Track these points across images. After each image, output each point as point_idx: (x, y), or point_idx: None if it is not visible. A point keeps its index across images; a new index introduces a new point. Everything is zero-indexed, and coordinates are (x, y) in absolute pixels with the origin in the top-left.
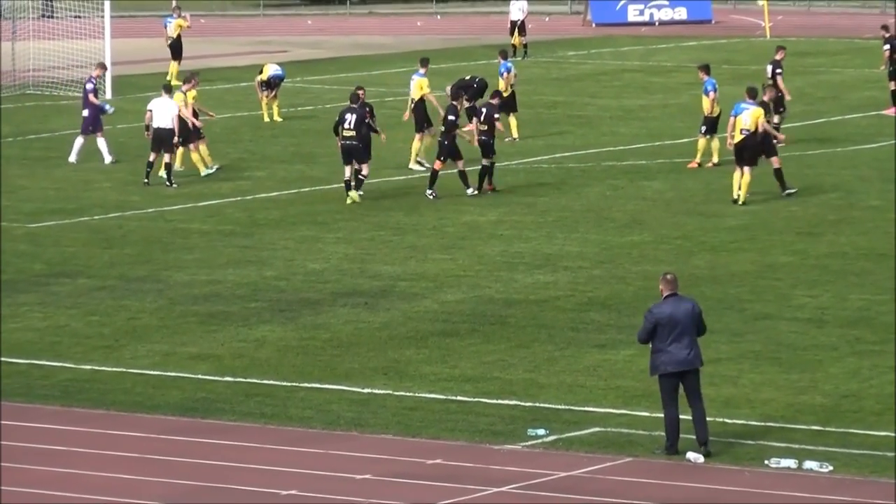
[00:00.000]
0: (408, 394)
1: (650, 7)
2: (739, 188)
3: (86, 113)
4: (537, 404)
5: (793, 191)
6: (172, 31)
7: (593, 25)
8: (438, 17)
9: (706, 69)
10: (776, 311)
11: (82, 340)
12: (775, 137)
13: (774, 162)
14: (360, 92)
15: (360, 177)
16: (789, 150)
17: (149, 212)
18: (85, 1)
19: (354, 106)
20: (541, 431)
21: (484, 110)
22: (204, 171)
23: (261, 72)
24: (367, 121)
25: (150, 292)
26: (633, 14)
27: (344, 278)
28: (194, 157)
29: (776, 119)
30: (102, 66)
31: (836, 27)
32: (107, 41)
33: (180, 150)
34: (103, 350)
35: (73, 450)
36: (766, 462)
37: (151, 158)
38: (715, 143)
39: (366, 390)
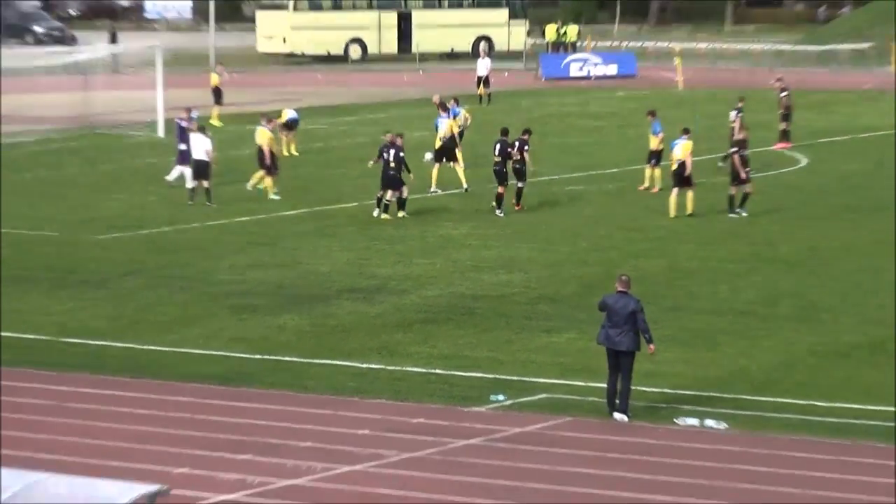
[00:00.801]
0: (397, 368)
1: (587, 65)
2: (677, 205)
3: (182, 146)
4: (498, 376)
5: (744, 213)
6: (215, 81)
7: (543, 79)
8: (421, 72)
9: (653, 114)
10: (684, 303)
11: (142, 326)
12: (740, 167)
13: (746, 188)
14: (399, 139)
15: (402, 198)
16: (702, 178)
17: (193, 226)
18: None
19: (397, 144)
20: (500, 397)
21: (517, 143)
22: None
23: (279, 116)
24: (401, 156)
25: (195, 289)
26: (574, 70)
27: (347, 278)
28: (267, 181)
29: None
30: (188, 110)
31: (734, 81)
32: (159, 91)
33: (259, 173)
34: (159, 333)
35: (136, 412)
36: (675, 421)
37: (192, 185)
38: (657, 172)
39: (364, 365)
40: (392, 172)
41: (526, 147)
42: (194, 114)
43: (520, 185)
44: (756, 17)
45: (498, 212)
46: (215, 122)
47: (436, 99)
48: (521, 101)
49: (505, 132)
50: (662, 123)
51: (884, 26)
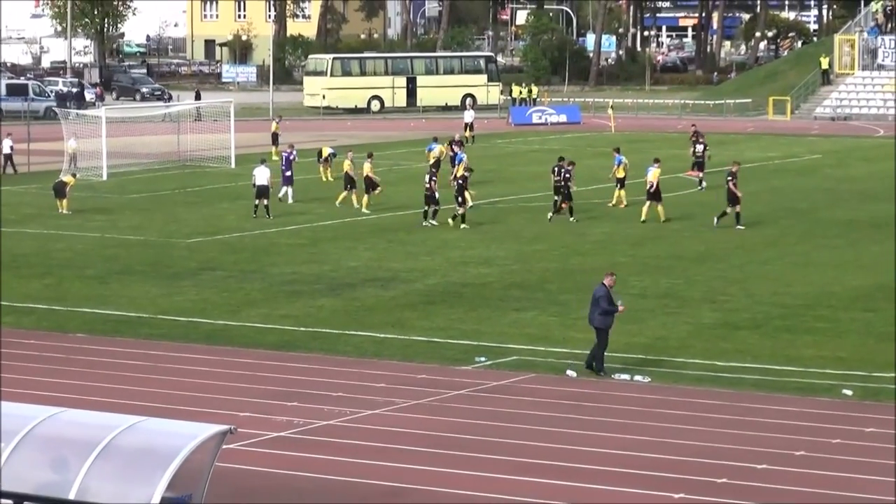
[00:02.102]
0: (406, 337)
1: (545, 114)
2: (647, 213)
3: (288, 173)
4: (480, 343)
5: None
6: (274, 128)
7: (513, 125)
8: (423, 120)
9: (617, 150)
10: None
11: (218, 307)
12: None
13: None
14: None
15: (437, 209)
16: (633, 199)
17: (255, 233)
18: (219, 111)
19: (434, 170)
20: (482, 358)
21: (556, 168)
22: (365, 211)
23: (320, 152)
24: (434, 178)
25: (257, 279)
26: (535, 118)
27: (369, 271)
28: (364, 199)
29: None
30: (291, 146)
31: (652, 126)
32: (231, 135)
33: (344, 194)
34: (230, 313)
35: (212, 370)
36: (612, 376)
37: (256, 202)
38: (623, 193)
39: (381, 335)
40: (431, 193)
41: (568, 173)
42: (294, 151)
43: (558, 198)
44: (668, 80)
45: (571, 218)
46: (275, 157)
47: (457, 137)
48: (497, 141)
49: (561, 159)
50: (600, 158)
51: (760, 87)
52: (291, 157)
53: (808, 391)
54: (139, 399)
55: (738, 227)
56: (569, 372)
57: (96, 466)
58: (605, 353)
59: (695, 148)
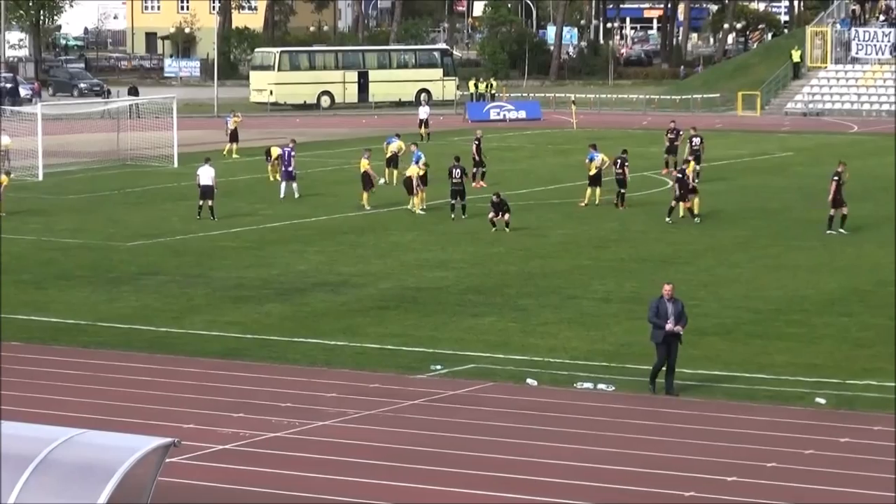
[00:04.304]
0: (358, 344)
1: (504, 110)
2: (684, 210)
3: (290, 168)
4: (436, 350)
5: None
6: (231, 125)
7: (469, 122)
8: (375, 116)
9: (594, 146)
10: (581, 293)
11: (160, 313)
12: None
13: (844, 210)
14: (458, 159)
15: (463, 205)
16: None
17: (199, 235)
18: (160, 107)
19: (458, 164)
20: (439, 367)
21: (619, 160)
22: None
23: (268, 151)
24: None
25: (200, 284)
26: (493, 114)
27: (319, 275)
28: (365, 196)
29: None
30: (293, 141)
31: (616, 122)
32: (174, 132)
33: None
34: (173, 319)
35: (155, 380)
36: (574, 385)
37: (200, 203)
38: (598, 191)
39: (332, 342)
40: (458, 187)
41: (626, 163)
42: (293, 147)
43: (622, 191)
44: (632, 74)
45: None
46: (234, 155)
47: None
48: (453, 138)
49: (624, 151)
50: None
51: (728, 81)
52: (293, 153)
53: (780, 399)
54: (77, 410)
55: (841, 231)
56: (529, 380)
57: (32, 482)
58: (570, 361)
59: (691, 143)
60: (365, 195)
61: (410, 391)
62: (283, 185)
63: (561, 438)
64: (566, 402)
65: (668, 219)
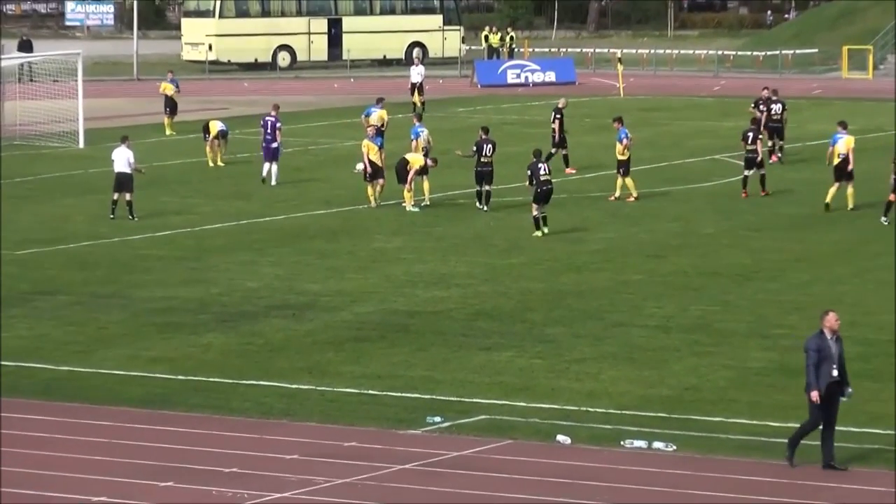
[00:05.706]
0: (328, 388)
1: (525, 71)
2: (841, 197)
3: (274, 144)
4: (434, 396)
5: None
6: (165, 90)
7: (479, 87)
8: (352, 80)
9: (620, 120)
10: (629, 319)
11: (60, 346)
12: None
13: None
14: (487, 131)
15: (488, 192)
16: (641, 189)
17: (114, 241)
18: (61, 67)
19: (487, 137)
20: (437, 419)
21: (750, 134)
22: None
23: (206, 127)
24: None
25: (116, 306)
26: (511, 77)
27: (275, 294)
28: (370, 190)
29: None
30: (276, 107)
31: (677, 87)
32: (79, 101)
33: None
34: (78, 354)
35: (53, 436)
36: (621, 443)
37: (115, 197)
38: (629, 181)
39: (294, 386)
40: (487, 168)
41: (760, 136)
42: (277, 115)
43: (762, 171)
44: (699, 23)
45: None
46: (170, 131)
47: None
48: (456, 109)
49: (755, 120)
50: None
51: (829, 32)
52: (278, 125)
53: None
54: None
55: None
56: (560, 437)
57: None
58: (616, 411)
59: (769, 110)
60: (370, 189)
61: (399, 452)
62: (266, 165)
63: None
64: (610, 468)
65: (883, 218)
